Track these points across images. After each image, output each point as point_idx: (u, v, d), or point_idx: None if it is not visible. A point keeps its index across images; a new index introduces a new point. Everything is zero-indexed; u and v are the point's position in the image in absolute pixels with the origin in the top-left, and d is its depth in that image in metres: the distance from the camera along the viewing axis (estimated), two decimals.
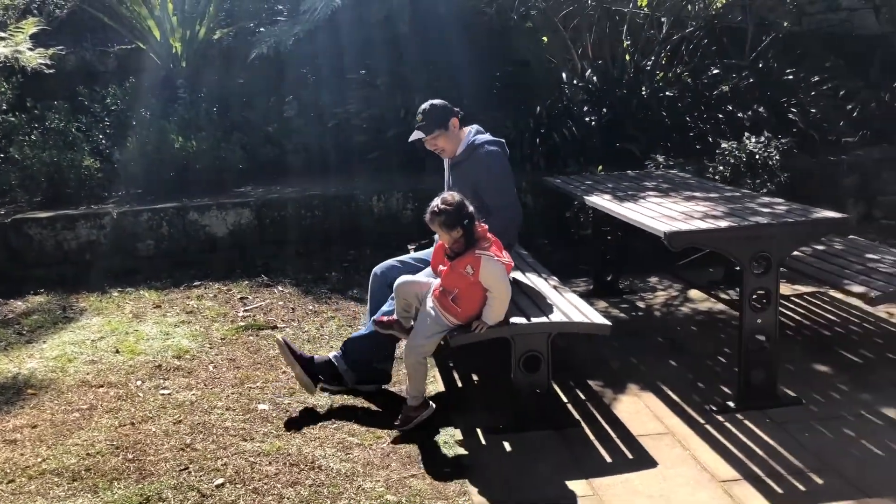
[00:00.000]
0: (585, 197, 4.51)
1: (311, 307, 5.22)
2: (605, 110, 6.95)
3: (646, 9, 8.07)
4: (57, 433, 3.44)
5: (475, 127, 4.31)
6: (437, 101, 4.20)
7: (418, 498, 3.00)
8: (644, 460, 3.25)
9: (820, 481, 3.02)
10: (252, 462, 3.22)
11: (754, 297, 3.55)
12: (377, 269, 4.26)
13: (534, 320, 3.48)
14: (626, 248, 5.44)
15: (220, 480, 3.07)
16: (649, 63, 7.66)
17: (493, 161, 4.13)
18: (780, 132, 6.62)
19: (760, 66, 7.34)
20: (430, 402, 3.60)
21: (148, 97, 7.50)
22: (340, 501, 2.97)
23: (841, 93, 7.36)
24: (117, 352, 4.38)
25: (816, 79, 7.36)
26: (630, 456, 3.30)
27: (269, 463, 3.22)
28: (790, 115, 7.00)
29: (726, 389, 3.87)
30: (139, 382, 3.99)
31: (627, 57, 7.94)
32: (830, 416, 3.53)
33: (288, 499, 2.97)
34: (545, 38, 8.44)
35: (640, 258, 5.60)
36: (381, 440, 3.46)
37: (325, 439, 3.45)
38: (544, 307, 3.63)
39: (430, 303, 3.54)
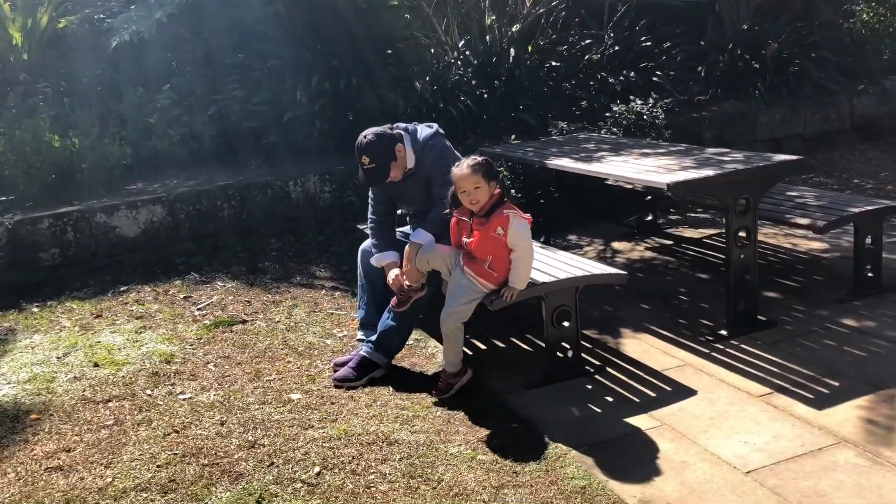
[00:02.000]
0: (546, 161, 4.76)
1: (264, 298, 5.07)
2: (496, 82, 7.23)
3: None
4: (102, 452, 3.17)
5: (408, 128, 3.98)
6: (372, 135, 3.79)
7: (505, 452, 3.12)
8: (682, 389, 3.58)
9: (836, 384, 3.50)
10: (329, 447, 3.17)
11: (740, 235, 3.99)
12: (364, 246, 4.25)
13: (561, 277, 3.68)
14: (560, 208, 5.78)
15: (316, 469, 3.01)
16: (515, 36, 8.03)
17: (438, 153, 3.92)
18: (646, 95, 7.25)
19: (626, 34, 7.95)
20: (468, 368, 3.70)
21: None
22: (439, 467, 3.03)
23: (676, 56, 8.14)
24: (96, 365, 4.04)
25: (668, 44, 8.10)
26: (668, 388, 3.62)
27: (346, 446, 3.19)
28: (654, 79, 7.68)
29: (705, 321, 4.31)
30: (149, 392, 3.73)
31: (495, 32, 8.27)
32: (806, 332, 4.07)
33: (389, 474, 2.98)
34: (407, 16, 8.58)
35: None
36: (433, 408, 3.53)
37: (381, 416, 3.46)
38: (558, 265, 3.84)
39: (460, 272, 3.62)
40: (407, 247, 3.78)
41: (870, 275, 4.47)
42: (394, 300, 3.82)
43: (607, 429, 3.30)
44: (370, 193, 4.11)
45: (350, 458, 3.09)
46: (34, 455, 3.17)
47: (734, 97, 7.87)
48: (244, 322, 4.66)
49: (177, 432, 3.32)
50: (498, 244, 3.52)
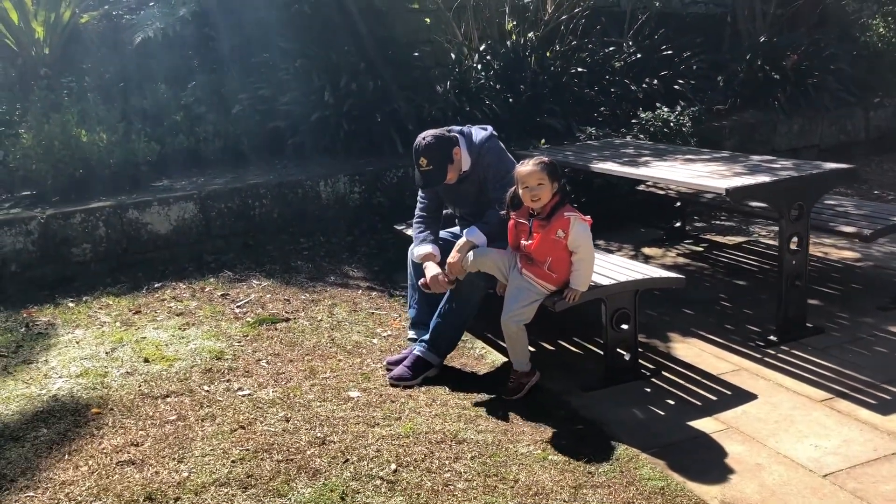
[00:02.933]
0: (591, 165, 4.78)
1: (302, 297, 5.05)
2: (521, 87, 7.25)
3: None
4: (172, 447, 3.14)
5: (462, 130, 3.98)
6: (431, 137, 3.79)
7: (575, 453, 3.12)
8: (743, 394, 3.60)
9: (889, 387, 3.53)
10: (400, 445, 3.16)
11: (792, 242, 4.02)
12: (411, 249, 4.23)
13: (621, 280, 3.70)
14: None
15: (392, 466, 3.00)
16: (536, 42, 8.06)
17: (495, 156, 3.93)
18: (668, 103, 7.30)
19: (647, 43, 8.01)
20: (536, 369, 3.70)
21: (14, 87, 6.72)
22: (513, 467, 3.03)
23: (694, 66, 8.21)
24: (147, 360, 4.01)
25: (688, 53, 8.17)
26: (728, 392, 3.64)
27: (415, 444, 3.18)
28: (675, 87, 7.73)
29: (752, 327, 4.34)
30: (206, 387, 3.70)
31: (514, 37, 8.30)
32: (855, 339, 4.10)
33: (464, 473, 2.98)
34: (427, 20, 8.60)
35: None
36: (494, 408, 3.52)
37: (444, 415, 3.45)
38: (615, 269, 3.85)
39: (518, 275, 3.62)
40: (461, 240, 3.77)
41: None
42: (423, 281, 3.80)
43: (674, 431, 3.31)
44: (420, 193, 4.11)
45: (422, 457, 3.08)
46: (103, 449, 3.13)
47: (753, 107, 7.94)
48: (287, 320, 4.64)
49: (243, 428, 3.29)
50: (558, 246, 3.53)
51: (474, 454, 3.12)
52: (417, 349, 3.83)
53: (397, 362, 3.91)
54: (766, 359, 3.94)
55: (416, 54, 7.54)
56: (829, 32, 8.79)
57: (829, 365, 3.81)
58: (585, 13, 8.15)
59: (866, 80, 8.33)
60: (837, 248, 5.64)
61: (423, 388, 3.74)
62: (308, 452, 3.09)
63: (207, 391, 3.66)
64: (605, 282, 3.67)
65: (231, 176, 6.39)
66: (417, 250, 3.97)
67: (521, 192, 3.56)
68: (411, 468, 3.00)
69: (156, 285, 5.25)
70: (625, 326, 3.73)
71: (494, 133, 4.04)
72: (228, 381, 3.79)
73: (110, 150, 6.22)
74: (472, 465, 3.03)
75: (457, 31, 8.31)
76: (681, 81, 7.74)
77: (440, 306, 3.93)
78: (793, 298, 4.11)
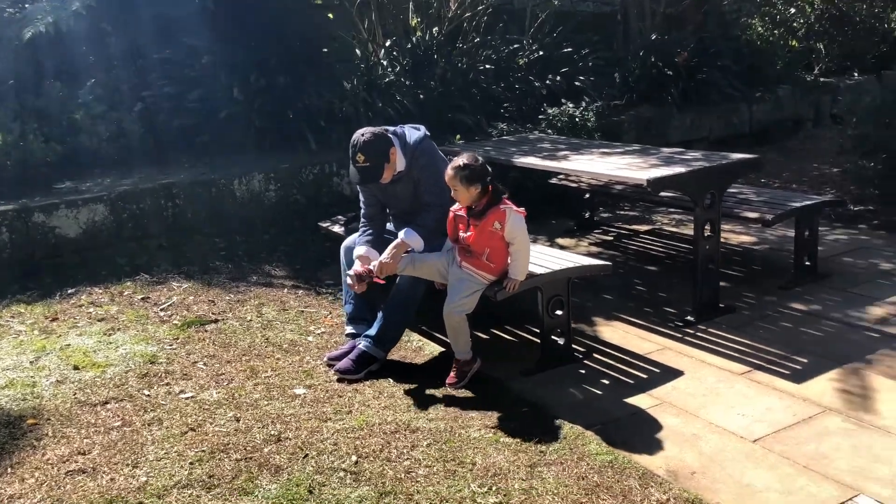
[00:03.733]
0: (514, 159, 4.94)
1: (227, 297, 4.98)
2: (432, 83, 7.36)
3: None
4: (123, 453, 3.07)
5: (396, 131, 3.98)
6: (370, 134, 3.81)
7: (525, 434, 3.26)
8: (671, 371, 3.84)
9: (804, 360, 3.86)
10: (356, 437, 3.21)
11: (706, 228, 4.30)
12: (347, 242, 4.28)
13: (555, 268, 3.86)
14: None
15: (353, 458, 3.04)
16: (442, 38, 8.19)
17: (429, 159, 3.97)
18: (570, 98, 7.60)
19: (548, 41, 8.27)
20: (477, 356, 3.82)
21: None
22: (468, 451, 3.13)
23: (590, 63, 8.56)
24: (76, 368, 3.88)
25: (586, 51, 8.50)
26: (656, 370, 3.87)
27: (371, 435, 3.24)
28: (577, 83, 8.03)
29: (669, 309, 4.61)
30: (146, 392, 3.62)
31: (419, 33, 8.41)
32: (763, 316, 4.44)
33: (423, 460, 3.06)
34: (331, 15, 8.58)
35: None
36: (440, 397, 3.62)
37: (394, 407, 3.52)
38: (548, 259, 4.02)
39: (458, 268, 3.73)
40: (397, 240, 3.84)
41: (807, 263, 4.91)
42: (354, 273, 3.83)
43: (613, 408, 3.50)
44: (361, 196, 4.13)
45: (380, 447, 3.14)
46: (48, 459, 3.03)
47: (648, 102, 8.34)
48: (216, 321, 4.58)
49: (193, 430, 3.26)
50: (495, 238, 3.66)
51: (429, 441, 3.20)
52: (363, 344, 3.87)
53: (338, 357, 3.94)
54: (687, 338, 4.21)
55: (325, 50, 7.51)
56: (712, 31, 9.33)
57: (744, 341, 4.11)
58: (488, 11, 8.34)
59: (748, 77, 8.89)
60: (736, 232, 6.04)
61: (367, 382, 3.79)
62: (266, 450, 3.10)
63: (148, 395, 3.59)
64: (539, 271, 3.82)
65: (139, 176, 6.21)
66: (356, 251, 4.00)
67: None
68: (371, 459, 3.05)
69: (69, 291, 5.05)
70: (559, 312, 3.90)
71: (427, 133, 4.10)
72: (168, 384, 3.72)
73: (6, 151, 5.94)
74: (429, 452, 3.11)
75: (361, 27, 8.34)
76: (581, 78, 8.04)
77: (386, 302, 3.98)
78: (707, 281, 4.39)
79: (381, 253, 3.92)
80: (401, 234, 3.89)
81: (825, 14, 10.30)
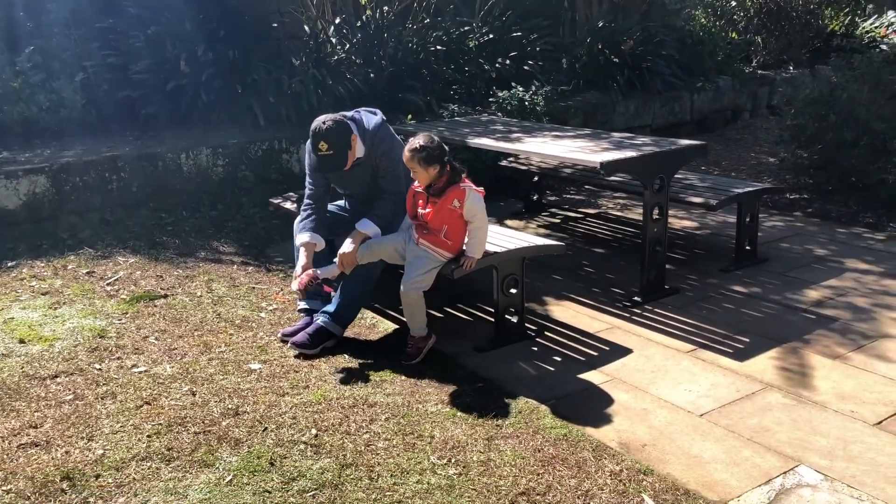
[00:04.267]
0: (468, 140, 4.98)
1: (175, 273, 4.92)
2: (383, 63, 7.34)
3: None
4: (77, 426, 3.02)
5: (354, 117, 3.96)
6: (332, 122, 3.74)
7: (481, 408, 3.32)
8: (620, 349, 3.95)
9: (746, 339, 4.02)
10: (315, 412, 3.23)
11: (654, 211, 4.42)
12: (297, 223, 4.22)
13: (511, 247, 3.93)
14: None
15: (313, 431, 3.06)
16: (393, 18, 8.16)
17: (387, 146, 3.95)
18: (519, 82, 7.67)
19: (498, 24, 8.31)
20: (432, 333, 3.86)
21: None
22: (426, 425, 3.18)
23: (538, 48, 8.64)
24: (22, 342, 3.78)
25: (535, 35, 8.57)
26: (606, 347, 3.98)
27: (329, 409, 3.26)
28: (525, 68, 8.11)
29: (616, 290, 4.74)
30: (97, 366, 3.56)
31: (369, 11, 8.36)
32: (705, 297, 4.59)
33: (382, 433, 3.10)
34: None
35: None
36: (398, 374, 3.66)
37: (351, 381, 3.54)
38: (504, 238, 4.08)
39: (415, 245, 3.77)
40: (354, 232, 3.84)
41: (748, 248, 5.09)
42: (300, 286, 3.75)
43: (565, 384, 3.60)
44: (308, 177, 4.05)
45: (339, 421, 3.17)
46: None
47: (594, 89, 8.47)
48: (165, 297, 4.51)
49: (148, 404, 3.22)
50: (453, 215, 3.70)
51: (388, 415, 3.24)
52: (321, 320, 3.87)
53: (293, 334, 3.94)
54: (634, 317, 4.33)
55: (275, 25, 7.41)
56: (656, 21, 9.51)
57: (689, 321, 4.25)
58: None
59: (690, 66, 9.10)
60: (678, 217, 6.21)
61: (323, 358, 3.80)
62: (224, 423, 3.09)
63: (99, 369, 3.53)
64: (495, 250, 3.88)
65: (81, 148, 6.05)
66: (299, 238, 3.94)
67: None
68: (330, 432, 3.08)
69: (9, 264, 4.91)
70: (513, 291, 3.97)
71: (384, 118, 4.09)
72: (119, 358, 3.66)
73: None
74: (387, 426, 3.15)
75: (310, 3, 8.24)
76: (530, 62, 8.12)
77: (345, 280, 3.98)
78: (654, 262, 4.52)
79: (324, 237, 3.92)
80: (357, 225, 3.88)
81: (763, 8, 10.60)
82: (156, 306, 4.36)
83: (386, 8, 8.26)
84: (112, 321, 4.09)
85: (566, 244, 4.22)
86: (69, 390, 3.32)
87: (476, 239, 3.74)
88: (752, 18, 10.57)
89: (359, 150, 3.92)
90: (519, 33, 8.41)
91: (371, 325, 4.27)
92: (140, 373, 3.51)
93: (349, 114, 4.03)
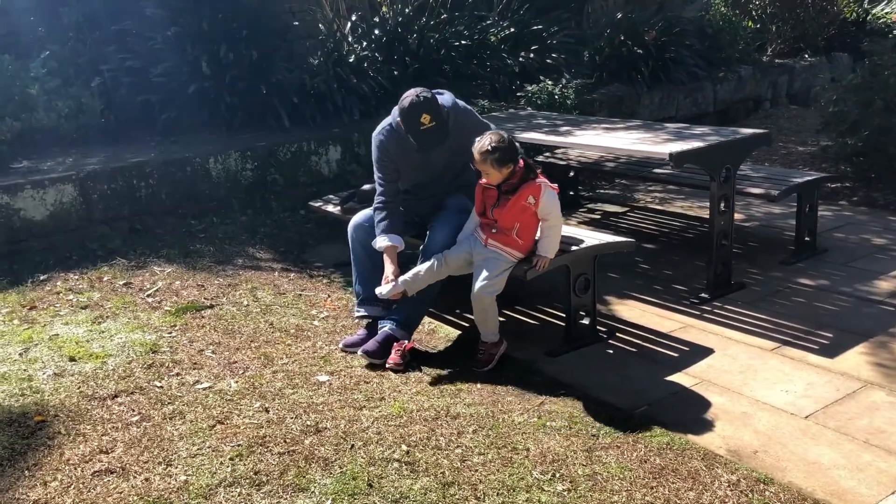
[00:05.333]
0: (518, 135, 4.77)
1: (217, 282, 4.71)
2: (407, 59, 7.13)
3: None
4: (151, 451, 2.81)
5: (444, 98, 3.73)
6: (426, 92, 3.55)
7: (571, 417, 3.14)
8: (699, 349, 3.77)
9: (829, 335, 3.84)
10: (398, 426, 3.03)
11: (721, 203, 4.24)
12: (357, 220, 4.01)
13: (582, 246, 3.74)
14: None
15: (404, 447, 2.86)
16: (411, 14, 7.95)
17: (473, 118, 3.84)
18: (543, 76, 7.49)
19: (517, 18, 8.12)
20: (503, 339, 3.67)
21: None
22: (517, 436, 2.99)
23: (555, 41, 8.45)
24: (73, 360, 3.57)
25: (555, 28, 8.39)
26: (686, 348, 3.79)
27: (412, 423, 3.06)
28: (549, 61, 7.92)
29: (678, 286, 4.55)
30: (157, 383, 3.35)
31: (385, 8, 8.15)
32: (774, 292, 4.41)
33: (475, 447, 2.90)
34: None
35: None
36: (472, 382, 3.46)
37: (427, 392, 3.35)
38: (570, 236, 3.89)
39: (483, 247, 3.57)
40: (388, 257, 3.67)
41: (807, 239, 4.92)
42: (394, 294, 3.61)
43: (653, 389, 3.41)
44: (377, 171, 3.84)
45: (426, 435, 2.97)
46: (68, 459, 2.75)
47: (618, 81, 8.29)
48: (211, 307, 4.31)
49: (221, 423, 3.02)
50: (527, 213, 3.52)
51: (475, 427, 3.05)
52: (388, 327, 3.67)
53: (356, 344, 3.74)
54: (705, 315, 4.15)
55: (297, 23, 7.19)
56: (673, 11, 9.35)
57: (764, 316, 4.07)
58: None
59: (711, 56, 8.94)
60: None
61: (387, 364, 3.60)
62: (307, 442, 2.89)
63: (160, 387, 3.32)
64: (565, 248, 3.69)
65: (104, 155, 5.83)
66: (379, 242, 3.73)
67: None
68: (420, 448, 2.88)
69: (41, 277, 4.69)
70: (586, 291, 3.78)
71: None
72: (178, 374, 3.45)
73: None
74: (477, 439, 2.96)
75: (323, 1, 8.02)
76: (554, 55, 7.93)
77: None
78: (721, 257, 4.34)
79: (402, 235, 3.73)
80: (376, 242, 3.73)
81: None
82: (203, 317, 4.15)
83: (400, 5, 8.04)
84: (162, 335, 3.88)
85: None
86: (134, 411, 3.11)
87: (550, 238, 3.55)
88: (767, 6, 10.41)
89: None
90: (540, 26, 8.22)
91: (431, 330, 4.08)
92: (205, 389, 3.31)
93: (436, 94, 3.75)
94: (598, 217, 6.10)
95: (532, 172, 3.53)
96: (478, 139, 3.52)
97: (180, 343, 3.79)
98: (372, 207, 3.88)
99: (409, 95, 3.58)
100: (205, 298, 4.44)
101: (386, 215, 3.76)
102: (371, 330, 3.82)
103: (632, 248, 3.94)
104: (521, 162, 3.53)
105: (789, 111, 9.61)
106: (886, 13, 11.47)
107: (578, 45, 8.47)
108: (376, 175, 3.84)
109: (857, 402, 3.20)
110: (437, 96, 3.74)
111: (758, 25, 10.45)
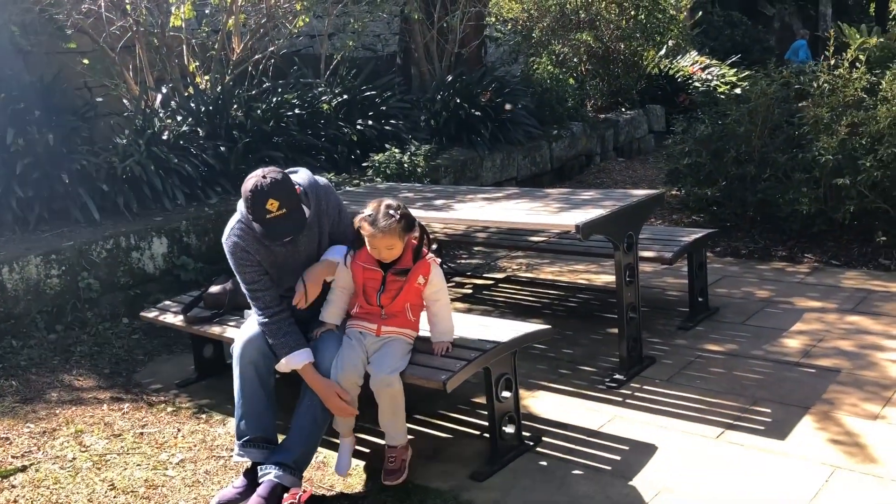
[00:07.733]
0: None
1: (27, 430, 3.69)
2: (235, 133, 6.35)
3: (206, 30, 7.64)
4: None
5: (299, 176, 3.13)
6: (275, 173, 2.89)
7: None
8: (640, 446, 3.28)
9: (767, 410, 3.49)
10: None
11: (627, 273, 3.84)
12: (248, 335, 3.15)
13: (501, 342, 3.16)
14: None
15: None
16: (230, 84, 7.21)
17: (335, 196, 3.24)
18: (382, 143, 7.01)
19: (349, 84, 7.59)
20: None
21: None
22: None
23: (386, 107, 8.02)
24: None
25: (389, 94, 7.93)
26: (625, 447, 3.29)
27: None
28: (388, 128, 7.43)
29: (584, 367, 4.10)
30: None
31: (198, 79, 7.36)
32: (687, 363, 4.06)
33: None
34: (86, 61, 7.26)
35: None
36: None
37: None
38: (480, 330, 3.31)
39: (375, 338, 3.01)
40: (326, 261, 3.11)
41: (700, 299, 4.66)
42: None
43: None
44: (245, 282, 3.06)
45: None
46: None
47: (458, 145, 7.94)
48: (24, 469, 3.29)
49: None
50: (416, 292, 3.05)
51: None
52: (273, 475, 2.87)
53: (234, 500, 2.92)
54: (628, 400, 3.69)
55: (100, 99, 6.21)
56: (498, 70, 9.23)
57: (691, 395, 3.68)
58: (282, 52, 7.49)
59: (542, 115, 8.85)
60: (592, 273, 5.72)
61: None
62: None
63: None
64: (480, 345, 3.10)
65: None
66: (290, 362, 3.00)
67: (369, 250, 2.93)
68: None
69: None
70: (506, 394, 3.20)
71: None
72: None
73: None
74: None
75: (126, 74, 7.09)
76: (392, 122, 7.46)
77: (297, 415, 3.03)
78: (632, 332, 3.93)
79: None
80: (326, 254, 3.14)
81: (592, 54, 10.70)
82: (14, 486, 3.13)
83: (217, 75, 7.27)
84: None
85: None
86: None
87: (446, 319, 3.10)
88: (584, 63, 10.62)
89: (305, 210, 3.04)
90: (373, 92, 7.73)
91: (321, 462, 3.31)
92: None
93: (297, 174, 3.15)
94: (470, 291, 5.58)
95: (421, 247, 2.99)
96: (366, 214, 2.91)
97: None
98: (257, 325, 3.08)
99: (253, 177, 2.89)
100: (13, 457, 3.40)
101: (281, 329, 3.02)
102: (251, 476, 3.00)
103: (550, 335, 3.44)
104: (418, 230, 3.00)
105: (619, 164, 9.73)
106: (684, 67, 12.11)
107: (412, 110, 8.06)
108: (246, 287, 3.06)
109: (841, 491, 2.82)
110: (291, 175, 3.06)
111: (578, 83, 10.61)
